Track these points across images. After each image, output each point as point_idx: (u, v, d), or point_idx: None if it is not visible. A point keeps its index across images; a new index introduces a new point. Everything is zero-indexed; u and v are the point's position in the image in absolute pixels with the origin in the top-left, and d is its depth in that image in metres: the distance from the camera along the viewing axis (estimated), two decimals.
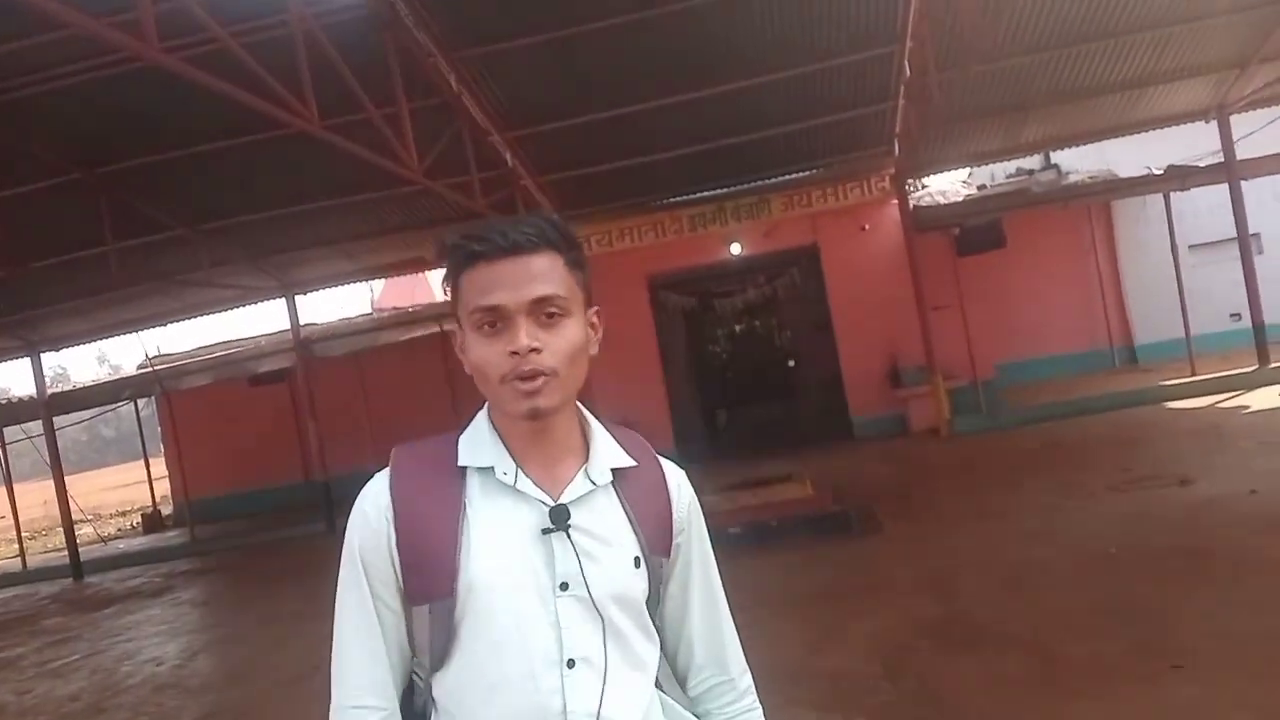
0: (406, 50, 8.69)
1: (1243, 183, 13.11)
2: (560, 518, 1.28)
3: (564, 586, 1.28)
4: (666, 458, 1.49)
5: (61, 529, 15.65)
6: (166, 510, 19.74)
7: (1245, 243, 13.09)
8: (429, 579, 1.28)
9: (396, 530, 1.31)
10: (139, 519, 20.24)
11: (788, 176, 13.77)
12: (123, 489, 31.22)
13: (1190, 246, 15.27)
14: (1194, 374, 12.98)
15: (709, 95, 10.96)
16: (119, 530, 20.89)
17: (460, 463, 1.34)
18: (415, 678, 1.38)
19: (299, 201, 12.11)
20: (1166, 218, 13.71)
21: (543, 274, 1.27)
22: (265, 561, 12.42)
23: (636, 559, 1.34)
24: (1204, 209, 15.49)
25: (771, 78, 10.85)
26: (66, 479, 15.42)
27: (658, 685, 1.41)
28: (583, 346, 1.32)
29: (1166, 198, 13.65)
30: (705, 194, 13.82)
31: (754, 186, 13.77)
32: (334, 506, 13.97)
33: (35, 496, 24.69)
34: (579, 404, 1.40)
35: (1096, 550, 6.15)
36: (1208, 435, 9.49)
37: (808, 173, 13.78)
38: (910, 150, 12.43)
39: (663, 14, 9.33)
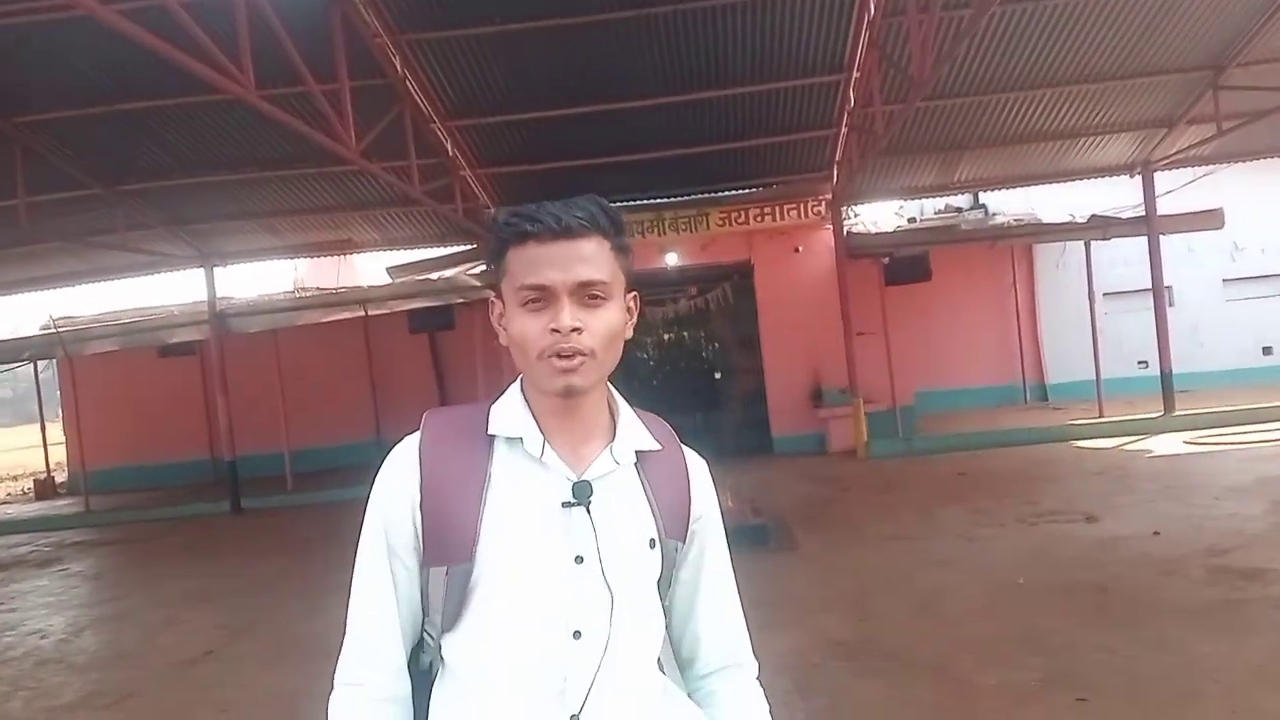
0: (353, 27, 8.51)
1: (1160, 237, 13.62)
2: (582, 493, 1.32)
3: (579, 560, 1.31)
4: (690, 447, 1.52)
5: None
6: (61, 478, 18.92)
7: (1160, 294, 13.61)
8: (449, 542, 1.32)
9: (421, 492, 1.34)
10: (30, 484, 19.36)
11: (728, 192, 13.87)
12: (15, 452, 29.84)
13: (1105, 294, 15.82)
14: (1102, 415, 13.43)
15: (655, 104, 11.00)
16: (9, 495, 19.95)
17: (490, 431, 1.37)
18: (426, 636, 1.41)
19: (226, 170, 11.77)
20: (1086, 264, 14.18)
21: (590, 258, 1.31)
22: (163, 538, 11.95)
23: (652, 540, 1.38)
24: (1120, 259, 16.12)
25: (719, 93, 10.96)
26: None
27: (660, 670, 1.45)
28: (620, 330, 1.36)
29: (1088, 245, 14.13)
30: (645, 201, 13.84)
31: (694, 199, 13.85)
32: (241, 485, 13.56)
33: None
34: (609, 385, 1.44)
35: (1005, 580, 6.27)
36: (1114, 476, 9.80)
37: (747, 190, 13.91)
38: (848, 178, 12.63)
39: (616, 19, 9.35)
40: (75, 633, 7.41)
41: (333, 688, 1.39)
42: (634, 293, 1.42)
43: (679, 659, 1.53)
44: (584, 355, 1.29)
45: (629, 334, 1.40)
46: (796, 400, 14.22)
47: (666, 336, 17.09)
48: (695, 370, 17.04)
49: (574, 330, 1.28)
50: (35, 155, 10.61)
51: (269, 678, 5.78)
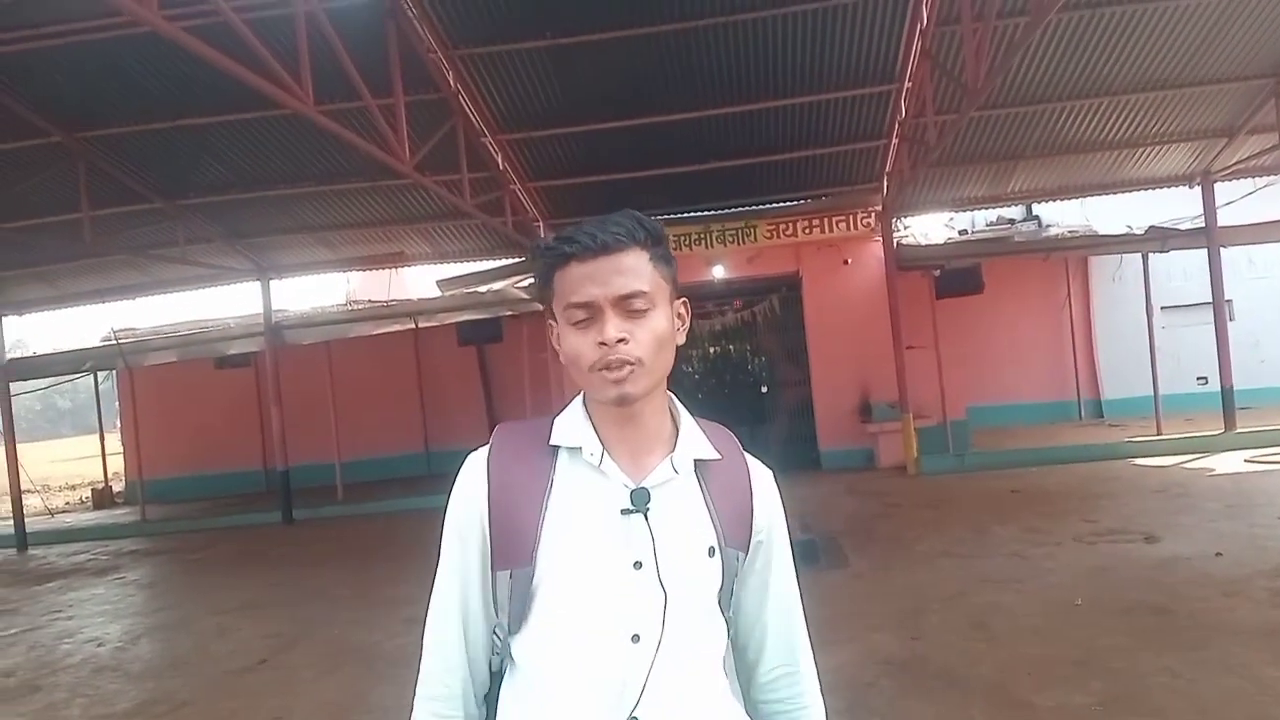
0: (408, 42, 8.62)
1: (1220, 249, 13.30)
2: (640, 500, 1.36)
3: (637, 565, 1.35)
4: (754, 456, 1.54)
5: (9, 497, 15.25)
6: (118, 487, 19.34)
7: (1220, 308, 13.26)
8: (513, 547, 1.38)
9: (489, 499, 1.41)
10: (89, 494, 19.82)
11: (775, 204, 13.82)
12: (74, 462, 30.57)
13: (1163, 307, 15.49)
14: (1160, 433, 13.12)
15: (703, 116, 11.01)
16: (67, 504, 20.43)
17: (552, 441, 1.43)
18: (495, 637, 1.46)
19: (283, 185, 11.98)
20: (1143, 277, 13.88)
21: (629, 270, 1.36)
22: (217, 547, 12.15)
23: (711, 549, 1.41)
24: (1179, 272, 15.78)
25: (768, 105, 10.93)
26: (18, 447, 15.04)
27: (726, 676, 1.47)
28: (668, 336, 1.40)
29: (1145, 258, 13.84)
30: (692, 214, 13.83)
31: (741, 211, 13.80)
32: (292, 496, 13.75)
33: None
34: (671, 395, 1.49)
35: (1063, 600, 6.13)
36: (1173, 494, 9.55)
37: (795, 202, 13.84)
38: (898, 189, 12.50)
39: (665, 32, 9.38)
40: (131, 640, 7.55)
41: (414, 701, 1.47)
42: (683, 299, 1.47)
43: (743, 664, 1.56)
44: (631, 364, 1.35)
45: (681, 340, 1.45)
46: (844, 414, 14.08)
47: (713, 350, 17.05)
48: (741, 384, 16.96)
49: (620, 341, 1.34)
50: (99, 170, 10.90)
51: (321, 687, 5.83)
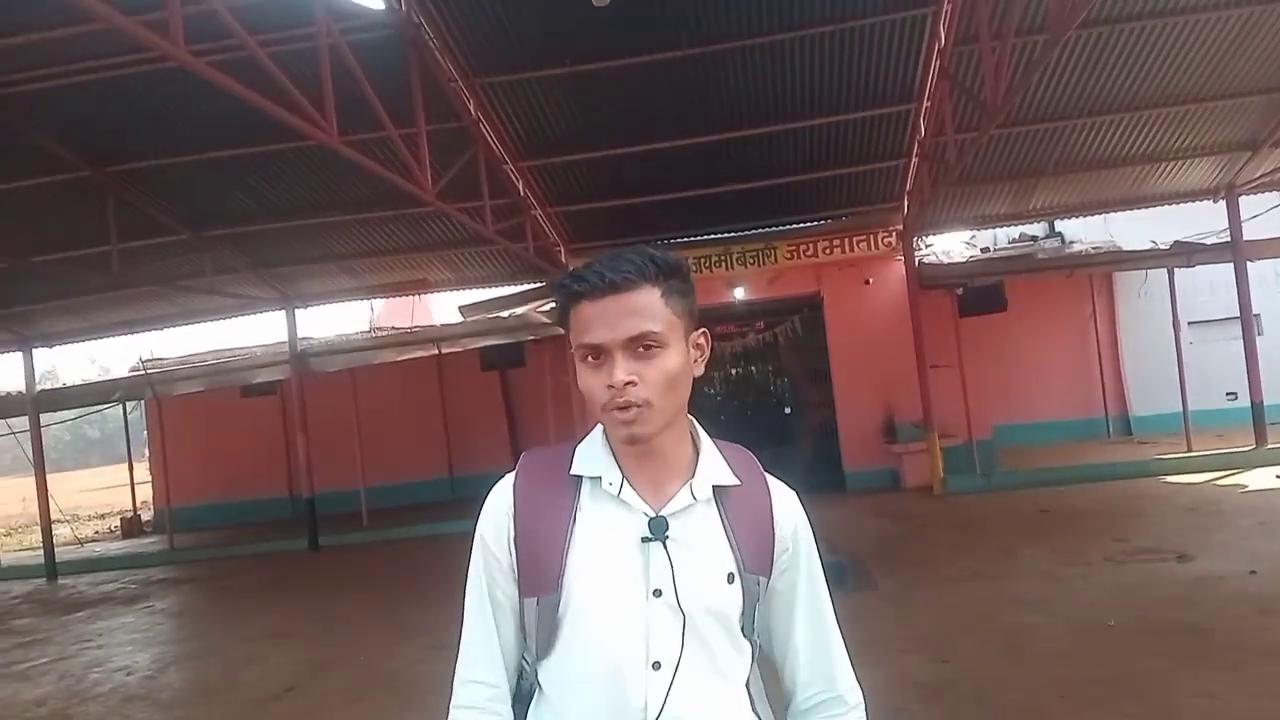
0: (429, 72, 8.72)
1: (1247, 263, 13.16)
2: (659, 529, 1.38)
3: (657, 593, 1.37)
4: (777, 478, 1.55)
5: (38, 527, 15.40)
6: (146, 516, 19.49)
7: (1248, 322, 13.11)
8: (538, 575, 1.40)
9: (515, 527, 1.43)
10: (118, 523, 19.98)
11: (795, 225, 13.81)
12: (103, 491, 30.84)
13: (1190, 323, 15.32)
14: (1190, 449, 12.95)
15: (723, 139, 11.04)
16: (96, 533, 20.61)
17: (573, 471, 1.45)
18: (524, 662, 1.50)
19: (308, 215, 12.11)
20: (1170, 292, 13.75)
21: (639, 311, 1.35)
22: (244, 575, 12.21)
23: (730, 575, 1.41)
24: (1205, 286, 15.61)
25: (787, 126, 10.96)
26: (47, 477, 15.21)
27: (751, 706, 1.47)
28: (681, 373, 1.39)
29: (1171, 273, 13.71)
30: (712, 236, 13.86)
31: (761, 233, 13.81)
32: (318, 522, 13.80)
33: (13, 493, 24.44)
34: (692, 420, 1.49)
35: (1094, 621, 6.05)
36: (1205, 512, 9.41)
37: (815, 223, 13.83)
38: (919, 208, 12.47)
39: (684, 57, 9.42)
40: (160, 669, 7.59)
41: (447, 713, 1.49)
42: (702, 330, 1.46)
43: (782, 689, 1.55)
44: (639, 406, 1.35)
45: (699, 371, 1.45)
46: (868, 435, 13.99)
47: (734, 371, 17.02)
48: (764, 405, 16.92)
49: (628, 384, 1.34)
50: (127, 203, 11.06)
51: (348, 715, 5.84)
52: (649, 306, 1.36)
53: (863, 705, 1.53)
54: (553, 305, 14.30)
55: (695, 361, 1.43)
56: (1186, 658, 5.18)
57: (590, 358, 1.37)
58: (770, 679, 1.54)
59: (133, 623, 9.76)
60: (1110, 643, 5.62)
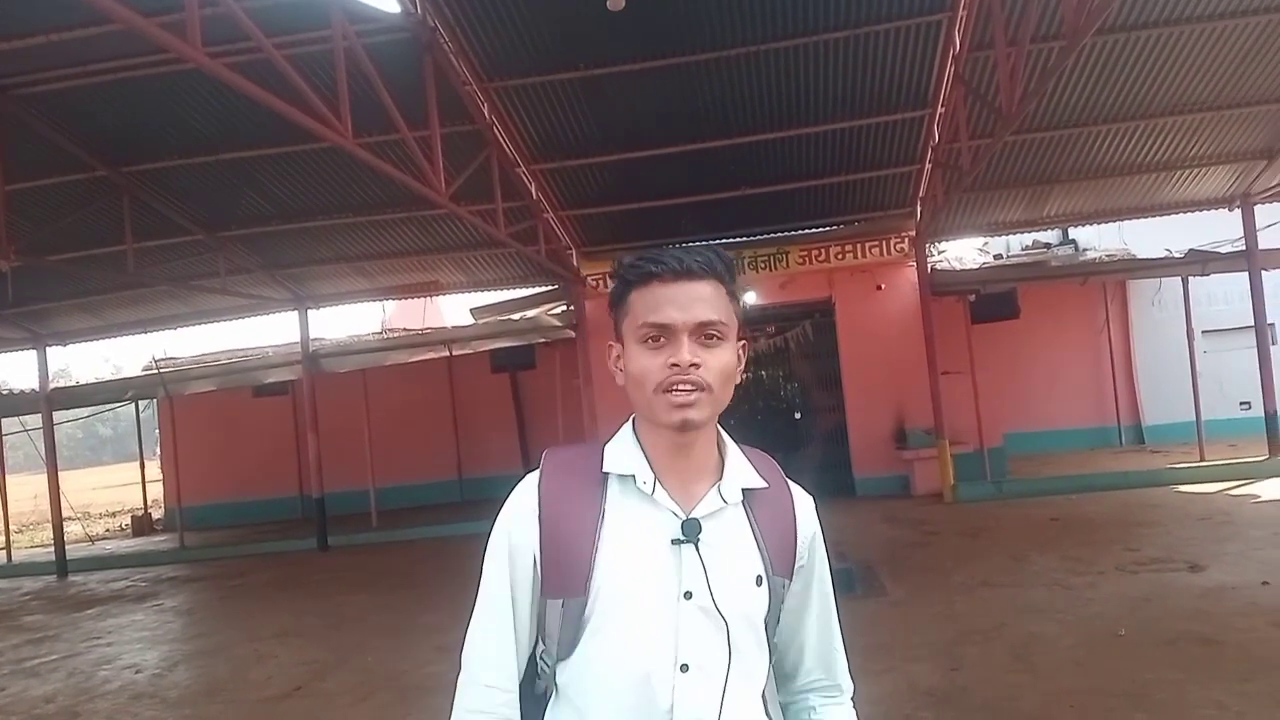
0: (444, 76, 8.75)
1: (1262, 272, 13.09)
2: (692, 530, 1.37)
3: (688, 595, 1.36)
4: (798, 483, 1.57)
5: (50, 524, 15.49)
6: (157, 514, 19.58)
7: (1262, 332, 13.02)
8: (564, 576, 1.39)
9: (541, 528, 1.41)
10: (128, 521, 20.08)
11: (807, 230, 13.79)
12: (114, 489, 31.00)
13: (1204, 332, 15.24)
14: (1203, 459, 12.87)
15: (736, 144, 11.04)
16: (107, 530, 20.72)
17: (604, 469, 1.43)
18: (541, 663, 1.48)
19: (322, 216, 12.16)
20: (1184, 301, 13.68)
21: (709, 299, 1.38)
22: (254, 574, 12.25)
23: (759, 577, 1.42)
24: (1220, 295, 15.54)
25: (800, 131, 10.94)
26: (59, 475, 15.29)
27: (765, 710, 1.48)
28: (734, 370, 1.42)
29: (1185, 281, 13.63)
30: (724, 241, 13.84)
31: (773, 237, 13.80)
32: (328, 522, 13.84)
33: (25, 490, 24.54)
34: (718, 425, 1.49)
35: (1105, 630, 6.02)
36: (1218, 522, 9.35)
37: (828, 228, 13.81)
38: (932, 214, 12.44)
39: (697, 62, 9.43)
40: (169, 667, 7.62)
41: (451, 712, 1.47)
42: (744, 340, 1.48)
43: (780, 673, 1.59)
44: (701, 390, 1.36)
45: (739, 379, 1.46)
46: (879, 441, 13.94)
47: (745, 376, 16.98)
48: (775, 410, 16.88)
49: (693, 365, 1.35)
50: (142, 203, 11.12)
51: (355, 715, 5.85)
52: (717, 298, 1.39)
53: (852, 691, 1.62)
54: (564, 308, 14.37)
55: (739, 365, 1.45)
56: (1198, 669, 5.15)
57: (651, 339, 1.37)
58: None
59: (142, 620, 9.80)
60: (1121, 653, 5.58)
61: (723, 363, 1.38)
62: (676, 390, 1.35)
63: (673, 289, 1.37)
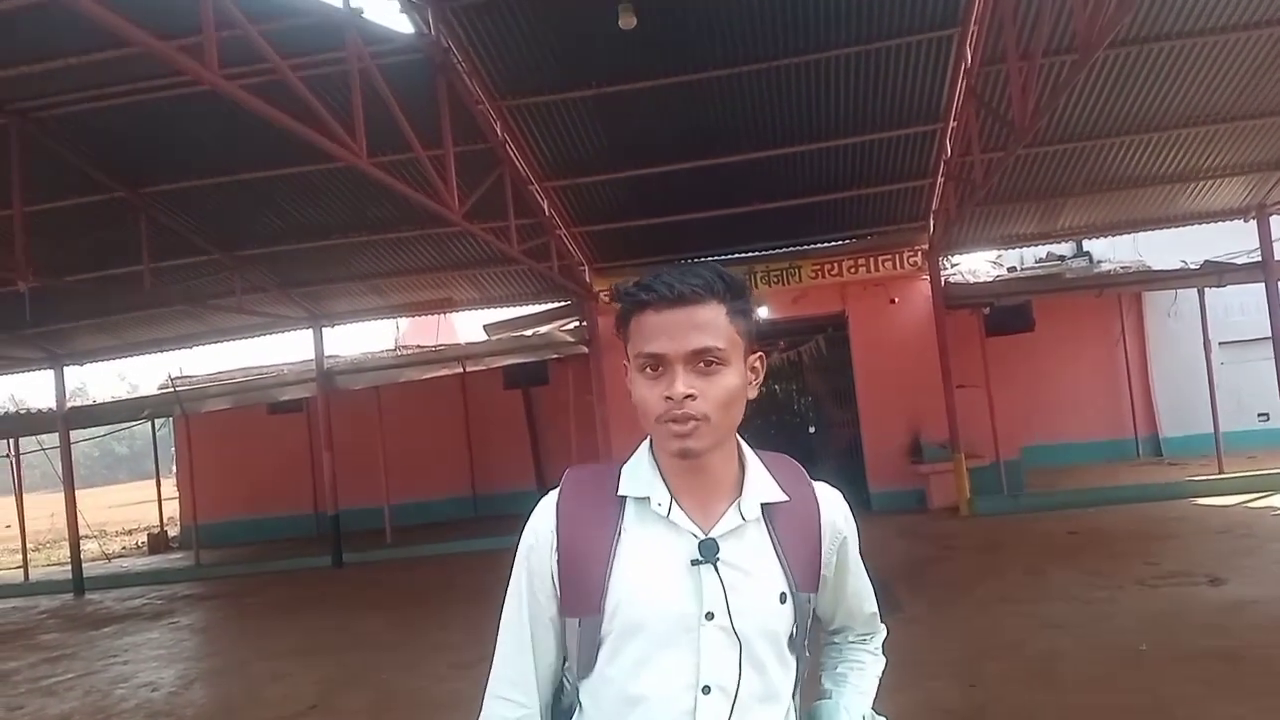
0: (456, 95, 8.80)
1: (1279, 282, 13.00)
2: (709, 551, 1.36)
3: (709, 616, 1.35)
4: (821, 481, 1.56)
5: (67, 543, 15.56)
6: (173, 532, 19.65)
7: None
8: (580, 595, 1.39)
9: (558, 547, 1.41)
10: (145, 538, 20.15)
11: (820, 244, 13.79)
12: (130, 507, 31.14)
13: (1221, 343, 15.13)
14: (1221, 471, 12.76)
15: (748, 159, 11.06)
16: (124, 548, 20.79)
17: (620, 491, 1.43)
18: (565, 679, 1.49)
19: (337, 235, 12.23)
20: (1200, 312, 13.59)
21: (704, 325, 1.35)
22: (269, 592, 12.27)
23: (783, 594, 1.40)
24: (1236, 306, 15.43)
25: (813, 146, 10.96)
26: (76, 493, 15.37)
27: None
28: (738, 392, 1.39)
29: (1201, 293, 13.55)
30: (736, 255, 13.86)
31: (785, 252, 13.80)
32: (342, 540, 13.86)
33: (43, 508, 24.68)
34: (738, 437, 1.48)
35: (1126, 646, 5.96)
36: (1237, 535, 9.26)
37: (840, 242, 13.80)
38: (945, 228, 12.42)
39: (709, 79, 9.46)
40: (185, 685, 7.63)
41: None
42: (759, 353, 1.46)
43: (826, 631, 1.70)
44: (697, 420, 1.33)
45: (753, 394, 1.44)
46: (894, 455, 13.88)
47: (761, 390, 16.99)
48: (788, 424, 16.86)
49: (687, 397, 1.32)
50: (159, 224, 11.22)
51: None
52: (713, 322, 1.35)
53: (884, 635, 1.74)
54: (577, 324, 14.39)
55: (751, 383, 1.43)
56: (1220, 684, 5.09)
57: (649, 368, 1.36)
58: None
59: (158, 638, 9.83)
60: (1142, 669, 5.53)
61: (723, 389, 1.35)
62: (674, 421, 1.33)
63: (666, 316, 1.34)
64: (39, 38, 7.58)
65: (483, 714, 1.47)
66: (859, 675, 1.65)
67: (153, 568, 16.04)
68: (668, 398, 1.33)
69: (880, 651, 1.71)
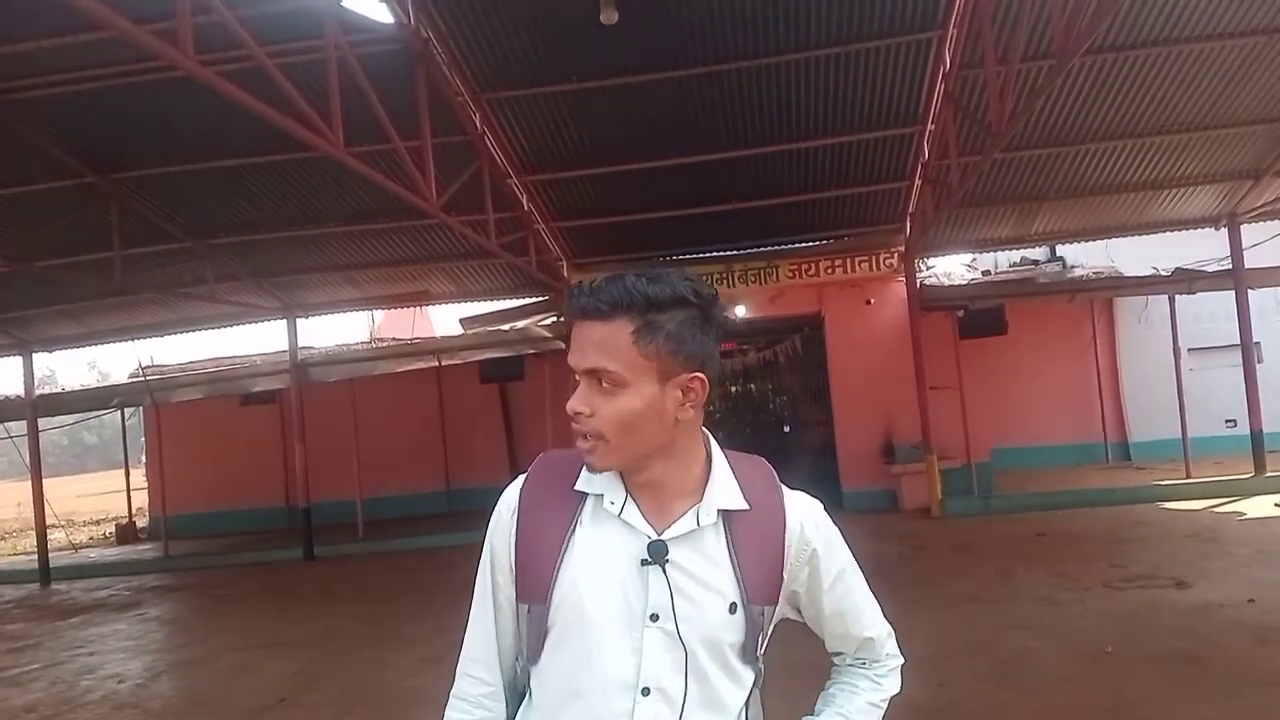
0: (436, 87, 8.74)
1: (1248, 291, 13.19)
2: (658, 552, 1.33)
3: (654, 618, 1.33)
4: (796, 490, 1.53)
5: (33, 532, 15.36)
6: (142, 522, 19.43)
7: (1248, 350, 13.13)
8: (531, 582, 1.39)
9: (516, 531, 1.42)
10: (113, 529, 19.92)
11: (797, 245, 13.84)
12: (99, 497, 30.77)
13: (1190, 349, 15.33)
14: (1189, 476, 12.94)
15: (726, 158, 11.07)
16: (91, 539, 20.53)
17: (578, 486, 1.41)
18: (519, 662, 1.49)
19: (312, 225, 12.12)
20: (1170, 319, 13.77)
21: (600, 344, 1.31)
22: (239, 584, 12.17)
23: (733, 605, 1.36)
24: (1206, 314, 15.64)
25: (791, 146, 10.98)
26: (44, 482, 15.16)
27: None
28: (643, 416, 1.31)
29: (1172, 299, 13.75)
30: (714, 254, 13.89)
31: (763, 251, 13.84)
32: (314, 533, 13.77)
33: (9, 497, 24.41)
34: (707, 434, 1.45)
35: (1092, 647, 6.03)
36: (1204, 539, 9.39)
37: (818, 243, 13.86)
38: (921, 230, 12.50)
39: (689, 76, 9.46)
40: (152, 677, 7.55)
41: (448, 700, 1.51)
42: (696, 374, 1.34)
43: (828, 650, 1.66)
44: (592, 438, 1.32)
45: (684, 416, 1.35)
46: (867, 455, 13.96)
47: (734, 389, 17.01)
48: (763, 423, 16.91)
49: (578, 413, 1.32)
50: (130, 210, 11.07)
51: None
52: (611, 341, 1.29)
53: (894, 658, 1.64)
54: (554, 319, 14.37)
55: (682, 405, 1.34)
56: (1184, 686, 5.16)
57: (575, 375, 1.36)
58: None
59: (125, 630, 9.72)
60: (1109, 670, 5.60)
61: (617, 411, 1.30)
62: (579, 436, 1.34)
63: (579, 328, 1.33)
64: (9, 19, 7.45)
65: (453, 688, 1.50)
66: (846, 698, 1.57)
67: (121, 559, 15.84)
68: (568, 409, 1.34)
69: (883, 679, 1.60)
